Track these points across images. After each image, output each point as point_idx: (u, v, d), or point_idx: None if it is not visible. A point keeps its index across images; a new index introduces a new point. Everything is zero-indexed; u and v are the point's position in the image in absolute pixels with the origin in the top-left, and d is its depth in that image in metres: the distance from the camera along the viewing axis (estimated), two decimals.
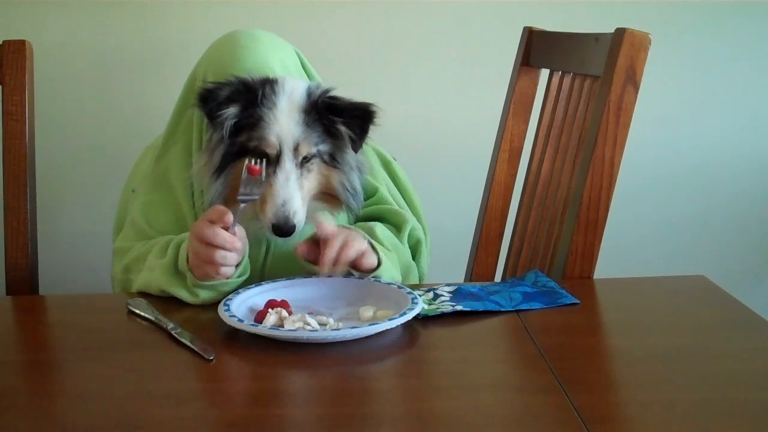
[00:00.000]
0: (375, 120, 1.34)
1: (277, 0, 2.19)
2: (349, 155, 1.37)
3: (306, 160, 1.33)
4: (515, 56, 1.85)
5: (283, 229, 1.29)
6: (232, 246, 1.25)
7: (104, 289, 1.48)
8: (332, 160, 1.36)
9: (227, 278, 1.28)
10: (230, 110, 1.31)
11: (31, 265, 1.58)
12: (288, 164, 1.31)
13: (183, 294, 1.31)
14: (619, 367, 1.15)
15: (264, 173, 1.29)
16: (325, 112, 1.33)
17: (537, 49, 1.81)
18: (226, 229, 1.24)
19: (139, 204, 1.48)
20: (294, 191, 1.30)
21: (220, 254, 1.25)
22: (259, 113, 1.31)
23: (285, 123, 1.31)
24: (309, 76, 1.52)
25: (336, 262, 1.27)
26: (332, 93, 1.36)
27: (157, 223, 1.46)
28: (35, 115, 1.61)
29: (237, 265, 1.29)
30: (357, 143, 1.35)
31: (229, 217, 1.24)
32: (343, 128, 1.34)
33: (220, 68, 1.42)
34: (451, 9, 2.23)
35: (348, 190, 1.37)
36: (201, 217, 1.29)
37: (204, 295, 1.29)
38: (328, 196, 1.38)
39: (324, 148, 1.34)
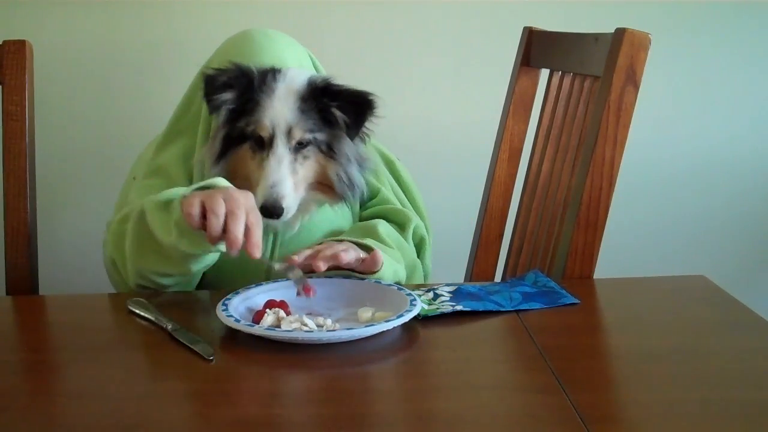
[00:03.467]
0: (372, 108, 1.33)
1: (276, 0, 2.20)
2: (347, 146, 1.37)
3: (301, 146, 1.33)
4: (515, 56, 1.85)
5: (271, 210, 1.29)
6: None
7: (104, 289, 1.47)
8: (329, 150, 1.35)
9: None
10: (226, 95, 1.33)
11: (31, 265, 1.58)
12: (280, 148, 1.31)
13: (157, 227, 1.26)
14: (619, 367, 1.15)
15: (315, 294, 1.25)
16: (321, 97, 1.34)
17: (537, 49, 1.81)
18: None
19: (137, 187, 1.48)
20: (285, 175, 1.31)
21: (218, 222, 1.19)
22: (256, 99, 1.33)
23: (279, 107, 1.32)
24: None
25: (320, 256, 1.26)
26: (334, 81, 1.36)
27: None
28: (35, 115, 1.61)
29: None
30: (352, 130, 1.35)
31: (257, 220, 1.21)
32: (338, 113, 1.34)
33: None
34: (451, 9, 2.23)
35: (344, 182, 1.37)
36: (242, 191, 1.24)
37: (175, 237, 1.24)
38: (324, 187, 1.38)
39: (321, 136, 1.34)
